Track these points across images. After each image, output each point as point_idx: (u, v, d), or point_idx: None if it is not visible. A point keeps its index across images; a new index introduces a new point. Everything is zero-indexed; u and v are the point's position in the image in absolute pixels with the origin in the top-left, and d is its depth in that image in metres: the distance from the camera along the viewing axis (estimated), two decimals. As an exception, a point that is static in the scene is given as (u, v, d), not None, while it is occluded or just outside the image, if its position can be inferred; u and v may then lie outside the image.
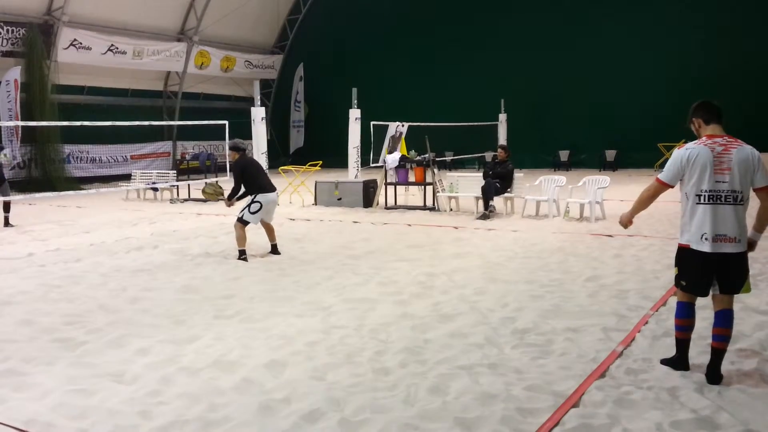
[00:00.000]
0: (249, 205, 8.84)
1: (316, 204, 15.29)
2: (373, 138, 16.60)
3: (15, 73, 20.05)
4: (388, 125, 16.60)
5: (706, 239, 4.18)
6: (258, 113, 14.93)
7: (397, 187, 15.05)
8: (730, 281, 4.27)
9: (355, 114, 16.34)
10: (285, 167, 17.99)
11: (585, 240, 9.91)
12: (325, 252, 9.35)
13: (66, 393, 4.28)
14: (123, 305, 6.52)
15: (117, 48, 23.24)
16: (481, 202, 12.74)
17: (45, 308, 6.41)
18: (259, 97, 15.25)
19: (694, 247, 4.24)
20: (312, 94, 31.02)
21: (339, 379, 4.52)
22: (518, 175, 13.24)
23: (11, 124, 18.82)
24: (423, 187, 14.52)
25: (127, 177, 20.36)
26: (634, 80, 23.85)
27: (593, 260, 8.30)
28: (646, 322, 5.61)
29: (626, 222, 4.76)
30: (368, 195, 14.83)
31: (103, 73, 23.66)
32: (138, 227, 12.25)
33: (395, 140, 15.92)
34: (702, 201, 4.21)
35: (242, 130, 19.34)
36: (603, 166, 24.41)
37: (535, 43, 25.46)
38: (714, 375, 4.26)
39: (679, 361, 4.51)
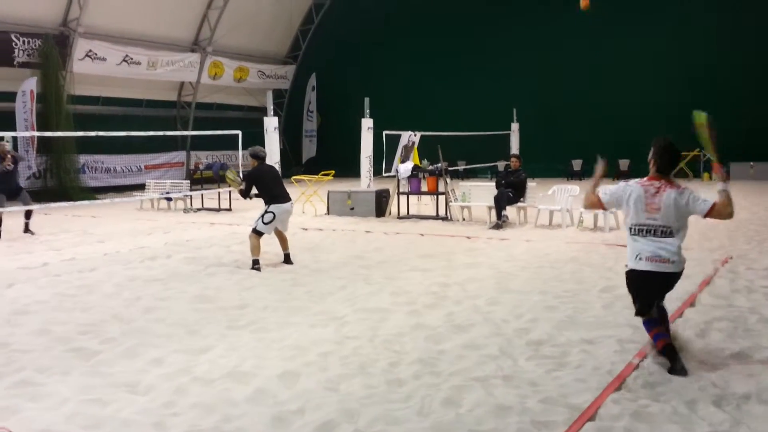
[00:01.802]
0: (262, 216, 8.86)
1: (328, 213, 15.31)
2: (385, 147, 16.63)
3: (31, 83, 20.27)
4: (400, 135, 16.62)
5: (640, 259, 4.73)
6: (271, 123, 15.02)
7: (410, 196, 15.04)
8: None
9: (367, 123, 16.38)
10: (298, 177, 18.03)
11: (599, 250, 9.85)
12: (337, 261, 9.35)
13: (80, 403, 4.29)
14: (137, 315, 6.54)
15: (131, 58, 23.45)
16: (493, 212, 12.70)
17: (60, 318, 6.44)
18: (272, 107, 15.34)
19: (638, 268, 4.74)
20: (324, 104, 31.13)
21: (352, 390, 4.50)
22: (531, 184, 13.20)
23: (27, 134, 19.00)
24: (435, 196, 14.51)
25: (141, 187, 20.49)
26: (648, 89, 23.76)
27: (607, 270, 8.24)
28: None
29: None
30: (381, 204, 14.84)
31: (118, 83, 23.88)
32: (152, 237, 12.31)
33: (408, 150, 15.94)
34: (634, 233, 4.80)
35: (255, 139, 19.38)
36: (617, 175, 24.28)
37: (547, 52, 25.45)
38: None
39: (679, 369, 4.60)
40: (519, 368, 4.85)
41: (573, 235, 11.48)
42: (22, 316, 6.55)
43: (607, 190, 5.05)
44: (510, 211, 12.80)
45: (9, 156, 12.26)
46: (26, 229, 12.54)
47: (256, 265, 8.76)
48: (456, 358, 5.08)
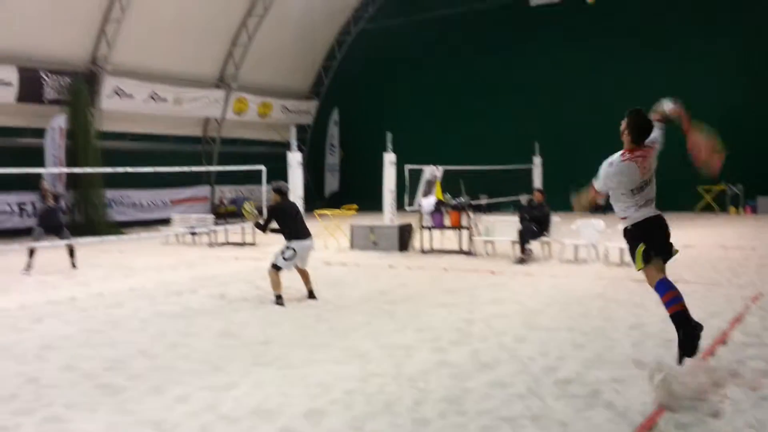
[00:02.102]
0: (283, 252, 8.88)
1: (351, 248, 15.33)
2: (408, 182, 16.67)
3: (60, 120, 20.73)
4: (423, 169, 16.66)
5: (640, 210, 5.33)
6: (294, 158, 15.16)
7: (433, 230, 15.02)
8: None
9: (389, 158, 16.46)
10: (320, 211, 18.12)
11: (626, 286, 9.73)
12: (361, 297, 9.34)
13: (108, 441, 4.31)
14: (162, 351, 6.57)
15: (158, 95, 23.93)
16: (517, 246, 12.63)
17: (87, 353, 6.49)
18: (295, 142, 15.49)
19: (642, 218, 5.31)
20: (347, 138, 31.41)
21: (378, 428, 4.46)
22: (555, 218, 13.12)
23: (57, 170, 19.38)
24: (459, 230, 14.48)
25: (166, 221, 20.71)
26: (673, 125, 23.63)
27: (636, 307, 8.12)
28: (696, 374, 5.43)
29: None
30: (404, 239, 14.83)
31: (145, 119, 24.33)
32: (177, 271, 12.41)
33: (430, 184, 15.96)
34: (634, 194, 5.37)
35: (279, 174, 19.51)
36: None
37: (571, 85, 25.47)
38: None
39: (690, 338, 4.96)
40: (548, 408, 4.77)
41: (599, 270, 11.36)
42: (51, 351, 6.61)
43: (596, 179, 5.45)
44: (534, 246, 12.72)
45: (50, 194, 12.63)
46: (72, 266, 12.73)
47: (279, 300, 8.78)
48: (482, 397, 5.02)
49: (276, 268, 8.85)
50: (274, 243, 15.90)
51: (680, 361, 5.14)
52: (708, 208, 22.96)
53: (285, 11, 26.88)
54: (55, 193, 13.16)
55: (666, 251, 5.35)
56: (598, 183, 5.45)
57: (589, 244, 12.30)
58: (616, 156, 5.38)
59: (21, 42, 19.80)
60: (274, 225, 9.07)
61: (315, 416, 4.69)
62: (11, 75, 19.48)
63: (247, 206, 9.64)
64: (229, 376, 5.65)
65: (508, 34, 26.83)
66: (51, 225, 12.56)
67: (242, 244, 16.89)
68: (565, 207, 23.19)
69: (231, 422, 4.61)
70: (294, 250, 8.86)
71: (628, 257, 11.76)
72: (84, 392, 5.30)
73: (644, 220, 5.32)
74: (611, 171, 5.33)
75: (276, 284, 8.85)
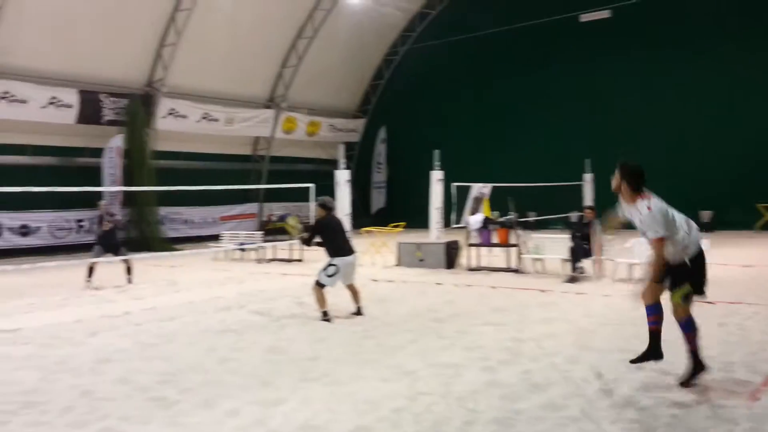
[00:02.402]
0: (326, 268, 8.88)
1: (398, 265, 15.30)
2: (455, 199, 16.60)
3: (117, 140, 21.39)
4: (470, 186, 16.59)
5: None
6: (342, 176, 15.27)
7: (480, 248, 14.89)
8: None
9: (437, 175, 16.44)
10: (367, 228, 18.18)
11: (682, 306, 9.42)
12: (408, 314, 9.29)
13: (160, 454, 4.36)
14: (213, 365, 6.65)
15: (210, 116, 24.49)
16: (568, 265, 12.40)
17: (140, 366, 6.62)
18: (343, 160, 15.62)
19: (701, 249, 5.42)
20: (394, 156, 31.52)
21: (427, 449, 4.40)
22: (607, 236, 12.83)
23: (113, 189, 19.96)
24: (507, 248, 14.31)
25: (216, 237, 21.08)
26: (729, 137, 22.96)
27: (692, 328, 7.86)
28: (757, 399, 5.21)
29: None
30: (450, 256, 14.74)
31: (197, 139, 24.90)
32: (226, 287, 12.59)
33: (478, 201, 15.88)
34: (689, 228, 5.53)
35: (326, 192, 19.69)
36: (699, 227, 23.29)
37: (620, 100, 25.05)
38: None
39: (654, 352, 5.55)
40: (602, 432, 4.64)
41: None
42: (105, 364, 6.77)
43: (659, 229, 5.31)
44: (586, 264, 12.46)
45: (107, 216, 13.22)
46: (129, 281, 13.11)
47: (325, 317, 8.79)
48: (534, 420, 4.91)
49: (320, 285, 8.86)
50: (321, 260, 16.03)
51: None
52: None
53: (334, 32, 27.27)
54: (112, 215, 13.67)
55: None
56: (662, 231, 5.33)
57: (643, 262, 11.97)
58: (656, 201, 5.43)
59: (82, 66, 20.56)
60: (318, 239, 9.08)
61: (363, 434, 4.67)
62: (72, 97, 20.22)
63: (291, 221, 9.70)
64: (278, 392, 5.68)
65: (556, 50, 26.58)
66: (109, 244, 12.97)
67: (289, 261, 17.04)
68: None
69: (280, 438, 4.63)
70: (337, 266, 8.85)
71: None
72: (137, 405, 5.39)
73: (699, 254, 5.43)
74: (665, 214, 5.38)
75: (321, 301, 8.87)
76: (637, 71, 24.90)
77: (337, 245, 8.99)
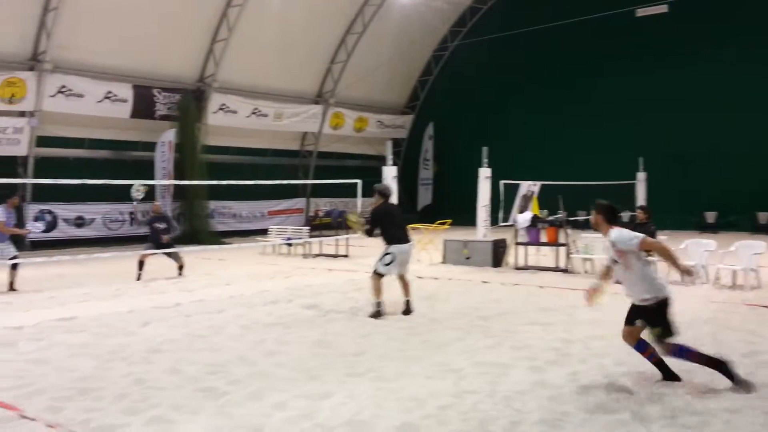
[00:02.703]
0: (382, 257, 8.87)
1: (444, 262, 15.24)
2: (503, 197, 16.44)
3: (170, 135, 21.87)
4: (519, 184, 16.39)
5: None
6: (389, 172, 15.26)
7: (528, 247, 14.72)
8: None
9: (485, 173, 16.30)
10: (414, 225, 18.14)
11: (739, 310, 9.15)
12: (454, 311, 9.24)
13: (209, 443, 4.44)
14: (260, 358, 6.73)
15: (260, 111, 24.82)
16: (618, 265, 12.12)
17: (190, 357, 6.75)
18: (390, 156, 15.61)
19: (670, 294, 5.71)
20: (441, 153, 31.40)
21: (474, 448, 4.37)
22: (661, 237, 12.51)
23: (167, 182, 20.44)
24: (555, 247, 14.10)
25: (263, 232, 21.38)
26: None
27: (750, 334, 7.62)
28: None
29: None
30: (497, 255, 14.60)
31: (247, 134, 25.28)
32: (274, 281, 12.75)
33: (526, 199, 15.68)
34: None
35: (373, 187, 19.84)
36: (755, 229, 22.57)
37: (676, 96, 24.37)
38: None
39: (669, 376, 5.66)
40: (653, 436, 4.53)
41: (709, 293, 10.74)
42: (156, 354, 6.93)
43: (633, 236, 5.65)
44: (636, 266, 12.17)
45: (161, 214, 13.61)
46: (179, 275, 13.40)
47: (378, 307, 8.78)
48: (582, 422, 4.83)
49: (378, 274, 8.86)
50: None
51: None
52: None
53: (383, 28, 27.31)
54: (166, 215, 13.97)
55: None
56: (637, 238, 5.64)
57: (698, 264, 11.65)
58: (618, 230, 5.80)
59: (137, 61, 21.10)
60: (374, 230, 9.03)
61: (409, 430, 4.66)
62: (127, 92, 20.76)
63: (352, 217, 9.69)
64: (324, 386, 5.72)
65: (611, 46, 26.02)
66: (160, 243, 13.25)
67: (335, 256, 17.15)
68: (673, 225, 22.10)
69: (326, 431, 4.65)
70: (393, 254, 8.82)
71: (740, 280, 11.13)
72: (187, 395, 5.50)
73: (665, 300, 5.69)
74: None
75: (377, 291, 8.85)
76: (695, 68, 24.20)
77: (394, 233, 8.93)
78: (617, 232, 5.72)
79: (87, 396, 5.46)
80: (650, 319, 5.66)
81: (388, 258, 8.83)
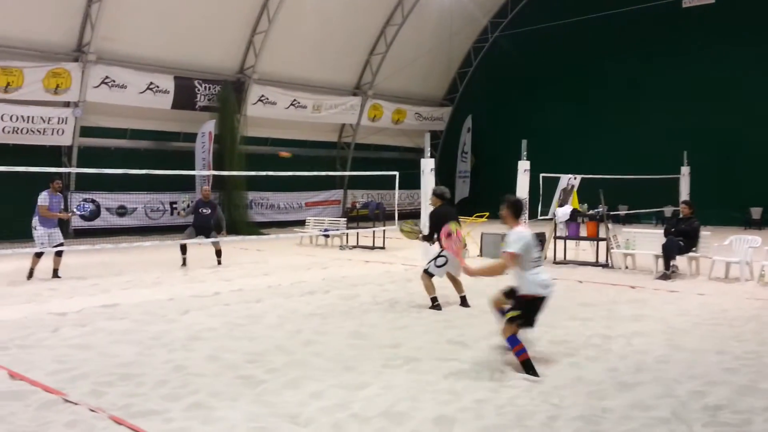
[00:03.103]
0: (435, 258, 8.84)
1: (481, 255, 15.15)
2: (542, 190, 16.23)
3: (210, 126, 22.13)
4: (559, 177, 16.15)
5: (545, 286, 5.99)
6: (427, 164, 15.17)
7: (567, 241, 14.52)
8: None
9: (524, 166, 16.10)
10: (451, 217, 18.05)
11: (785, 308, 8.88)
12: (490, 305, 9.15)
13: (248, 430, 4.50)
14: (298, 347, 6.79)
15: (299, 102, 24.94)
16: (661, 261, 11.90)
17: (229, 345, 6.84)
18: (428, 149, 15.52)
19: (541, 293, 5.96)
20: (479, 146, 31.14)
21: (510, 442, 4.34)
22: (705, 233, 12.23)
23: (205, 173, 20.71)
24: (595, 242, 13.88)
25: (301, 223, 21.51)
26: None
27: (796, 332, 7.40)
28: None
29: (472, 273, 6.50)
30: (536, 248, 14.41)
31: (285, 125, 25.44)
32: (311, 272, 12.83)
33: (566, 193, 15.43)
34: (535, 266, 6.00)
35: (410, 180, 19.78)
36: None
37: (721, 89, 23.71)
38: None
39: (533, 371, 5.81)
40: (695, 435, 4.44)
41: (753, 290, 10.46)
42: (196, 341, 7.03)
43: (513, 244, 5.93)
44: (680, 262, 11.92)
45: (210, 199, 13.79)
46: (218, 263, 13.60)
47: (435, 302, 8.82)
48: (622, 419, 4.75)
49: (428, 274, 8.88)
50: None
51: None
52: None
53: (423, 19, 27.16)
54: (213, 201, 14.10)
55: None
56: (515, 248, 5.92)
57: (742, 261, 11.35)
58: (524, 229, 6.12)
59: (178, 53, 21.39)
60: (434, 234, 8.93)
61: (445, 423, 4.64)
62: (168, 84, 21.07)
63: (406, 227, 9.50)
64: (361, 377, 5.73)
65: (655, 37, 25.41)
66: (203, 227, 13.50)
67: (372, 248, 17.18)
68: (717, 221, 21.57)
69: (362, 422, 4.67)
70: (446, 257, 8.75)
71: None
72: (226, 382, 5.58)
73: (543, 297, 6.00)
74: (523, 236, 6.00)
75: (429, 288, 8.89)
76: (741, 61, 23.49)
77: None
78: (514, 232, 6.07)
79: (129, 381, 5.58)
80: (516, 303, 6.06)
81: (441, 260, 8.80)
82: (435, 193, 9.26)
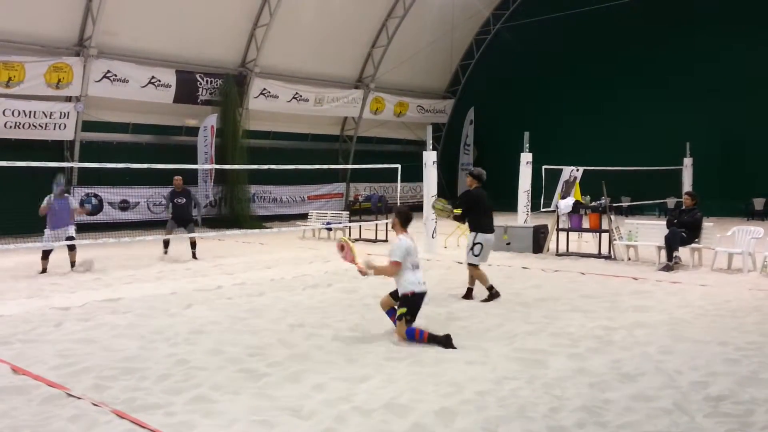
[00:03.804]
0: (471, 248, 8.83)
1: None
2: (544, 182, 16.21)
3: (212, 120, 22.11)
4: (561, 169, 16.13)
5: (421, 284, 6.92)
6: (430, 157, 15.16)
7: (570, 233, 14.50)
8: None
9: (526, 158, 16.08)
10: (453, 210, 18.04)
11: (788, 299, 8.87)
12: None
13: (249, 423, 4.51)
14: (300, 340, 6.80)
15: (300, 96, 24.90)
16: (663, 253, 11.88)
17: (231, 339, 6.86)
18: (431, 141, 15.50)
19: (417, 290, 6.86)
20: (482, 138, 31.08)
21: (512, 434, 4.34)
22: (707, 224, 12.20)
23: (208, 167, 20.71)
24: (598, 234, 13.87)
25: (303, 216, 21.50)
26: None
27: (799, 323, 7.38)
28: None
29: (366, 270, 6.97)
30: (538, 240, 14.44)
31: (287, 119, 25.40)
32: (313, 265, 12.83)
33: (569, 185, 15.41)
34: (414, 269, 6.92)
35: (412, 172, 19.78)
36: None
37: (723, 80, 23.61)
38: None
39: (446, 341, 6.56)
40: (696, 426, 4.45)
41: (756, 281, 10.44)
42: (199, 335, 7.05)
43: (396, 253, 6.84)
44: (683, 253, 11.90)
45: (182, 189, 13.77)
46: (193, 256, 13.64)
47: (492, 291, 8.79)
48: (624, 410, 4.75)
49: (473, 266, 8.85)
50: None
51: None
52: None
53: (425, 11, 27.04)
54: (187, 190, 14.07)
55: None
56: (399, 255, 6.83)
57: (745, 252, 11.33)
58: (407, 239, 6.99)
59: (179, 47, 21.34)
60: (466, 215, 8.92)
61: (447, 415, 4.65)
62: (170, 77, 21.04)
63: (438, 204, 9.50)
64: (363, 369, 5.74)
65: (655, 29, 25.31)
66: (181, 218, 13.58)
67: (375, 241, 17.18)
68: (720, 212, 21.53)
69: (364, 414, 4.68)
70: (481, 244, 8.76)
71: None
72: (228, 376, 5.59)
73: (420, 293, 6.91)
74: (403, 244, 6.89)
75: (483, 278, 8.84)
76: (746, 51, 23.37)
77: (483, 221, 8.85)
78: (396, 242, 6.95)
79: (131, 375, 5.59)
80: (401, 301, 6.87)
81: (477, 248, 8.77)
82: (472, 174, 9.10)
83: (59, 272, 11.65)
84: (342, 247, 7.17)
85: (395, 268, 6.84)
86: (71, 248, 11.94)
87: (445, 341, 6.51)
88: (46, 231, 11.81)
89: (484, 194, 9.08)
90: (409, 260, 6.86)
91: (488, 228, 8.85)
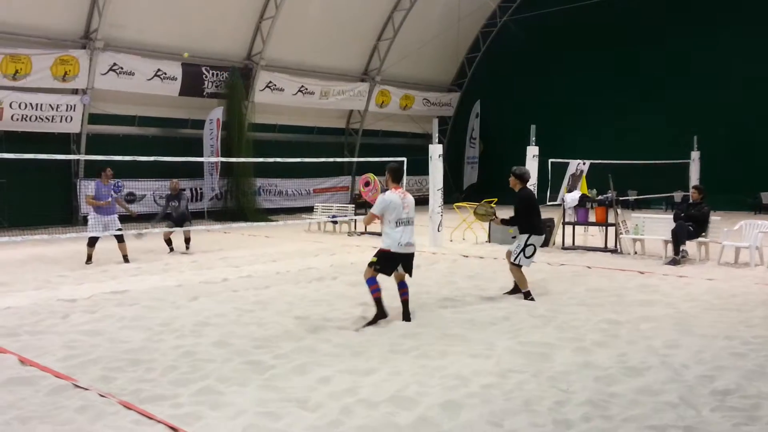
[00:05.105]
0: (524, 249, 8.41)
1: (489, 241, 15.14)
2: (550, 176, 16.16)
3: (218, 113, 22.12)
4: (568, 163, 16.08)
5: (401, 245, 7.14)
6: (436, 150, 15.12)
7: (576, 226, 14.46)
8: (410, 267, 7.42)
9: (532, 151, 16.02)
10: (459, 203, 18.03)
11: (795, 293, 8.83)
12: (499, 290, 9.16)
13: (256, 415, 4.53)
14: (306, 333, 6.82)
15: (306, 89, 24.89)
16: (670, 246, 11.85)
17: (238, 331, 6.88)
18: (437, 135, 15.46)
19: (393, 250, 7.16)
20: (488, 131, 31.00)
21: (517, 427, 4.35)
22: (714, 218, 12.15)
23: (214, 159, 20.74)
24: (604, 227, 13.83)
25: (309, 209, 21.52)
26: None
27: (806, 317, 7.35)
28: None
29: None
30: (544, 234, 14.37)
31: (293, 112, 25.40)
32: (319, 258, 12.85)
33: (575, 178, 15.35)
34: (398, 225, 7.15)
35: (418, 166, 19.75)
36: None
37: (732, 75, 23.47)
38: (407, 316, 7.31)
39: (380, 314, 7.16)
40: (702, 419, 4.44)
41: (763, 275, 10.40)
42: (205, 327, 7.07)
43: (375, 207, 7.22)
44: (690, 247, 11.86)
45: (177, 189, 14.00)
46: (186, 249, 13.79)
47: (529, 296, 8.47)
48: (630, 403, 4.75)
49: (518, 266, 8.50)
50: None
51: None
52: None
53: (431, 4, 26.97)
54: (181, 189, 14.31)
55: (390, 273, 7.40)
56: (376, 208, 7.17)
57: (752, 246, 11.29)
58: (392, 194, 7.19)
59: (185, 39, 21.32)
60: (519, 219, 8.54)
61: (452, 408, 4.66)
62: (176, 70, 21.06)
63: (480, 209, 9.03)
64: (368, 362, 5.75)
65: (662, 22, 25.16)
66: (177, 217, 13.70)
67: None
68: (727, 206, 21.42)
69: (370, 406, 4.69)
70: (534, 246, 8.43)
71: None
72: (235, 368, 5.61)
73: (399, 253, 7.20)
74: (383, 200, 7.17)
75: (523, 281, 8.54)
76: (753, 44, 23.22)
77: (535, 222, 8.51)
78: (383, 195, 7.22)
79: (138, 367, 5.62)
80: (377, 252, 7.31)
81: (529, 250, 8.37)
82: (515, 174, 8.61)
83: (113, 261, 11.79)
84: (367, 183, 7.60)
85: (369, 219, 7.46)
86: (120, 240, 12.12)
87: (373, 319, 7.10)
88: (92, 217, 11.92)
89: (533, 194, 8.81)
90: (390, 216, 7.10)
91: (541, 229, 8.59)
